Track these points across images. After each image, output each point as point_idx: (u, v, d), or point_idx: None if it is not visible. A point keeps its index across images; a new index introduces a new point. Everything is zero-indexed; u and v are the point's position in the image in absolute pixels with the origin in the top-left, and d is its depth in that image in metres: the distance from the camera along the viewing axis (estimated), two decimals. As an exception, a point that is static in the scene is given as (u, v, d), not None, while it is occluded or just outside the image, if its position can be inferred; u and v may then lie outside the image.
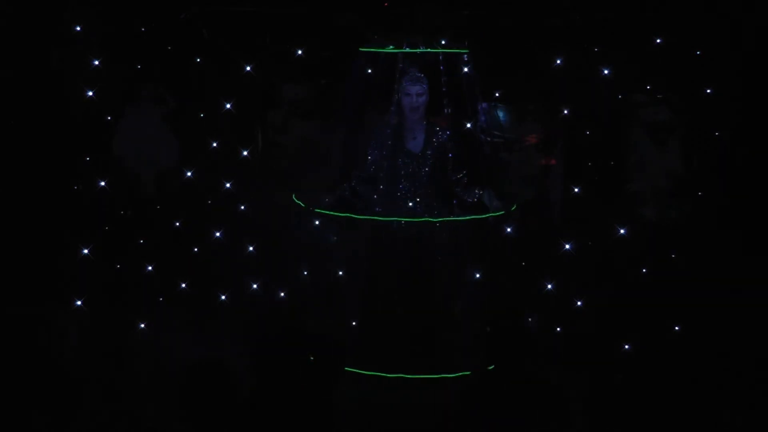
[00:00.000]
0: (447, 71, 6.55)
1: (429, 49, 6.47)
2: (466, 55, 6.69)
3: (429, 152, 6.62)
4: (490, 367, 4.77)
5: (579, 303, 6.98)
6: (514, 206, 6.84)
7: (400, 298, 6.53)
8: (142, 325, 7.22)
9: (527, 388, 4.49)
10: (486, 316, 6.64)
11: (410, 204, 6.57)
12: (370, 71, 6.58)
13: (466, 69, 6.67)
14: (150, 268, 7.62)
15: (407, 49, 6.46)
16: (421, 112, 6.59)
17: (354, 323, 6.65)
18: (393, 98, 6.54)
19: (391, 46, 6.51)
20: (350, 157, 6.77)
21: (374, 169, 6.61)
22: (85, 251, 7.28)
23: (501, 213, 6.63)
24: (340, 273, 6.79)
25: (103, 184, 7.54)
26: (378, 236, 6.58)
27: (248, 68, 7.36)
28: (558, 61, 7.25)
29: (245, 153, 7.54)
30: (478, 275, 6.65)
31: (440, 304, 6.63)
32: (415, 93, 6.52)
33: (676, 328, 7.16)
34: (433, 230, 6.54)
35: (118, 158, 8.06)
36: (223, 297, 7.51)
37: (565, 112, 7.66)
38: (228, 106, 7.38)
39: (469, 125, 6.85)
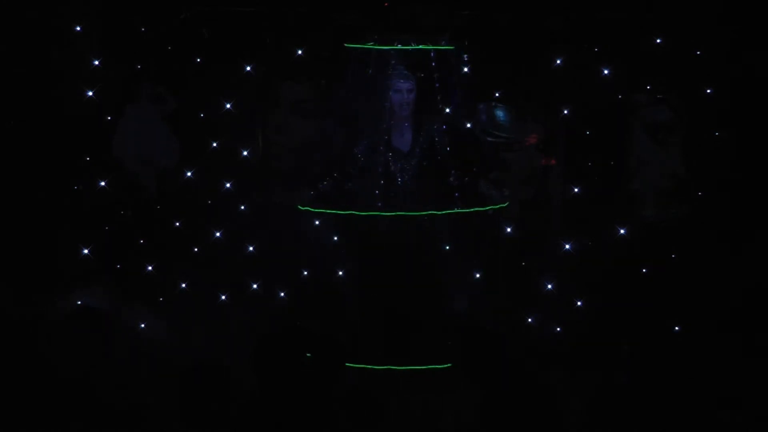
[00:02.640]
0: (439, 69, 6.56)
1: (408, 46, 6.48)
2: (464, 54, 6.69)
3: (417, 150, 6.62)
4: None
5: (579, 303, 6.99)
6: (507, 203, 6.83)
7: (392, 292, 6.53)
8: (142, 325, 7.21)
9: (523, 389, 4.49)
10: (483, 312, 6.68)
11: (399, 200, 6.57)
12: (360, 68, 6.60)
13: (466, 68, 6.68)
14: (150, 268, 7.62)
15: (394, 46, 6.47)
16: (410, 109, 6.60)
17: (351, 319, 6.67)
18: (383, 95, 6.56)
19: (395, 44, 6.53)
20: (337, 153, 6.78)
21: (360, 166, 6.60)
22: (86, 251, 7.29)
23: (490, 208, 6.64)
24: (340, 273, 6.79)
25: (103, 184, 7.54)
26: (366, 231, 6.58)
27: (248, 68, 7.36)
28: (558, 61, 7.25)
29: (245, 153, 7.55)
30: (472, 269, 6.66)
31: (434, 297, 6.63)
32: (405, 89, 6.54)
33: (676, 328, 7.16)
34: (422, 224, 6.55)
35: (118, 158, 8.05)
36: (223, 297, 7.52)
37: (565, 112, 7.66)
38: (228, 106, 7.38)
39: (469, 124, 6.86)
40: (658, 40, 7.13)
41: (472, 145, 6.88)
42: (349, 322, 6.69)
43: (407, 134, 6.65)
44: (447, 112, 6.68)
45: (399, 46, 6.51)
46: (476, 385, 4.65)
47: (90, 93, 7.19)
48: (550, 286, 6.88)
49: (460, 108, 6.71)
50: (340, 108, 6.81)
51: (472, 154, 6.78)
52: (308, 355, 4.49)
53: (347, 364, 6.04)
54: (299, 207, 6.59)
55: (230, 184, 7.54)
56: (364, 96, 6.64)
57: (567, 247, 6.85)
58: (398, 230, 6.55)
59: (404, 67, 6.57)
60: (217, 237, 7.50)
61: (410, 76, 6.54)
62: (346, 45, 6.64)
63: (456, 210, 6.50)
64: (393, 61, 6.57)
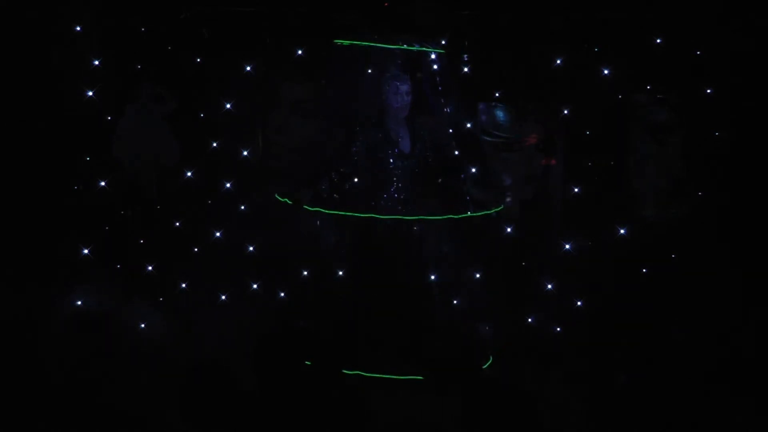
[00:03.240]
0: (437, 69, 6.57)
1: (403, 47, 6.48)
2: (464, 54, 6.69)
3: (417, 151, 6.62)
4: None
5: (579, 303, 6.99)
6: (501, 207, 6.83)
7: (388, 297, 6.52)
8: (142, 325, 7.22)
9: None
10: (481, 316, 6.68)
11: (398, 202, 6.57)
12: (357, 67, 6.59)
13: (465, 68, 6.69)
14: (150, 268, 7.63)
15: (389, 45, 6.46)
16: (408, 111, 6.60)
17: (348, 323, 6.65)
18: (381, 95, 6.56)
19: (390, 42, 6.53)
20: (333, 153, 6.77)
21: (358, 166, 6.59)
22: (86, 251, 7.29)
23: (494, 210, 6.65)
24: (340, 273, 6.78)
25: (103, 184, 7.54)
26: (367, 232, 6.58)
27: (248, 68, 7.36)
28: (558, 61, 7.25)
29: (245, 153, 7.55)
30: (473, 269, 6.66)
31: (429, 303, 6.62)
32: (404, 92, 6.54)
33: (676, 328, 7.16)
34: (419, 227, 6.55)
35: (118, 158, 8.06)
36: (223, 297, 7.52)
37: (565, 112, 7.66)
38: (228, 106, 7.38)
39: (469, 125, 6.86)
40: (658, 40, 7.13)
41: (471, 146, 6.88)
42: (348, 324, 6.68)
43: (406, 135, 6.65)
44: (446, 113, 6.67)
45: (400, 45, 6.51)
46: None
47: (90, 93, 7.18)
48: (550, 286, 6.88)
49: (459, 108, 6.70)
50: (338, 108, 6.80)
51: (471, 155, 6.77)
52: (307, 362, 4.49)
53: (346, 370, 6.07)
54: (306, 207, 6.56)
55: (230, 184, 7.54)
56: (361, 96, 6.63)
57: (567, 247, 6.84)
58: (398, 231, 6.54)
59: (402, 67, 6.56)
60: (217, 237, 7.50)
61: (408, 78, 6.54)
62: (335, 42, 6.62)
63: (469, 214, 6.49)
64: (390, 61, 6.56)
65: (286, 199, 6.66)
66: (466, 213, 6.49)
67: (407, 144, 6.62)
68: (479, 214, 6.52)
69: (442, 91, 6.57)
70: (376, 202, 6.49)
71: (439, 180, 6.64)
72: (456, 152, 6.63)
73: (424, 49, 6.50)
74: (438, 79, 6.57)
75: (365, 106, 6.63)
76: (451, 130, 6.68)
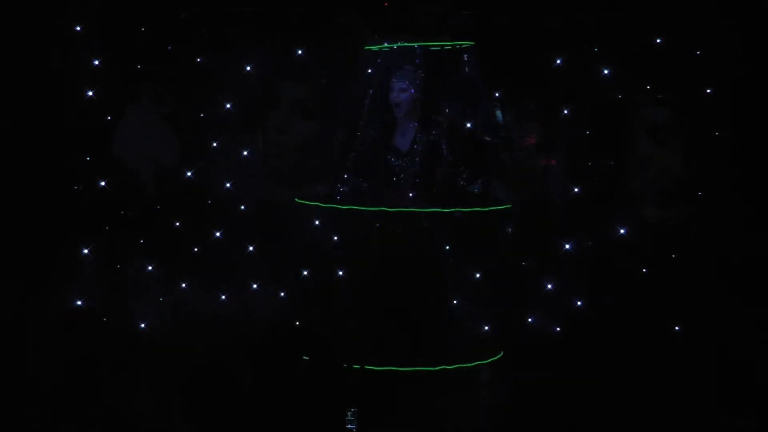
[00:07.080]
0: (443, 69, 6.58)
1: (408, 43, 6.50)
2: (465, 54, 6.70)
3: (417, 150, 6.63)
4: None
5: (579, 303, 7.00)
6: (510, 205, 6.85)
7: (392, 291, 6.53)
8: (143, 325, 7.22)
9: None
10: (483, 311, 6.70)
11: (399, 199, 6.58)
12: (360, 67, 6.62)
13: (466, 68, 6.69)
14: (150, 268, 7.63)
15: (401, 43, 6.47)
16: (405, 109, 6.61)
17: (350, 317, 6.67)
18: (379, 94, 6.58)
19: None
20: (337, 152, 6.79)
21: (359, 165, 6.61)
22: (85, 251, 7.30)
23: (506, 206, 6.67)
24: (340, 273, 6.80)
25: (103, 184, 7.55)
26: (367, 230, 6.59)
27: (248, 68, 7.37)
28: (558, 61, 7.25)
29: (245, 153, 7.56)
30: (473, 267, 6.67)
31: (434, 296, 6.63)
32: (397, 89, 6.56)
33: (677, 328, 7.16)
34: (423, 223, 6.56)
35: (118, 158, 8.05)
36: (223, 297, 7.53)
37: (565, 112, 7.67)
38: (228, 106, 7.39)
39: (469, 125, 6.87)
40: (658, 40, 7.13)
41: (473, 145, 6.89)
42: (349, 322, 6.69)
43: (408, 134, 6.66)
44: (447, 112, 6.68)
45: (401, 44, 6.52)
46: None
47: (90, 93, 7.19)
48: (550, 286, 6.88)
49: (460, 108, 6.71)
50: (340, 108, 6.81)
51: (474, 154, 6.78)
52: (306, 357, 4.50)
53: (348, 364, 6.07)
54: (307, 203, 6.55)
55: (230, 184, 7.55)
56: (363, 95, 6.65)
57: (567, 247, 6.85)
58: (398, 230, 6.55)
59: (404, 66, 6.57)
60: (217, 237, 7.50)
61: (408, 76, 6.55)
62: (365, 48, 6.63)
63: (476, 209, 6.50)
64: (394, 60, 6.57)
65: (303, 200, 6.66)
66: (473, 208, 6.50)
67: (408, 143, 6.64)
68: (487, 209, 6.53)
69: (446, 90, 6.58)
70: (379, 200, 6.51)
71: (440, 180, 6.65)
72: (457, 152, 6.64)
73: (438, 45, 6.49)
74: (443, 77, 6.58)
75: (369, 104, 6.65)
76: (453, 130, 6.69)
